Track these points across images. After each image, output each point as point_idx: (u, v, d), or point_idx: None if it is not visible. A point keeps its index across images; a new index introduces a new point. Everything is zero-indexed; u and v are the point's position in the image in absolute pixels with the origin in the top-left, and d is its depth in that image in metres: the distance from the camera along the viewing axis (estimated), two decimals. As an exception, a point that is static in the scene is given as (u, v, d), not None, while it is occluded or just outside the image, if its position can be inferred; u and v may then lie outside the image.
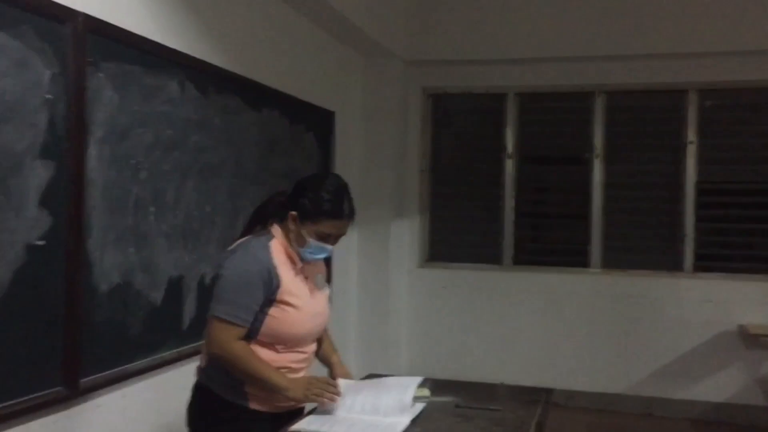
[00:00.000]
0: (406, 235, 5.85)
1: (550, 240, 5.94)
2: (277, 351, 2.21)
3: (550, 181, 5.94)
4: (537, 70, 5.62)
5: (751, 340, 5.10)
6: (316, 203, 2.17)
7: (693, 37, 5.20)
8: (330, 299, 2.45)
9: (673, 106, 5.51)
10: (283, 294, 2.16)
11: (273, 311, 2.16)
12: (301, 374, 2.28)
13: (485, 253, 5.84)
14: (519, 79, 5.68)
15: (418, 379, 2.31)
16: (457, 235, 5.95)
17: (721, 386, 5.24)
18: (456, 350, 5.73)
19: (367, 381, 2.41)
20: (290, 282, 2.19)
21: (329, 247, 2.22)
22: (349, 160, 5.24)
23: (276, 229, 2.24)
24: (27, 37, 2.27)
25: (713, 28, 5.16)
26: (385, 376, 2.71)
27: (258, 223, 2.30)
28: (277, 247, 2.20)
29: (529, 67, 5.62)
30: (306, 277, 2.28)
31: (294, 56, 4.35)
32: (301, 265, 2.25)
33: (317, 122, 4.63)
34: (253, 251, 2.16)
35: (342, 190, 2.23)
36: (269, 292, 2.15)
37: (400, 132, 5.70)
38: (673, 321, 5.36)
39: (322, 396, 2.15)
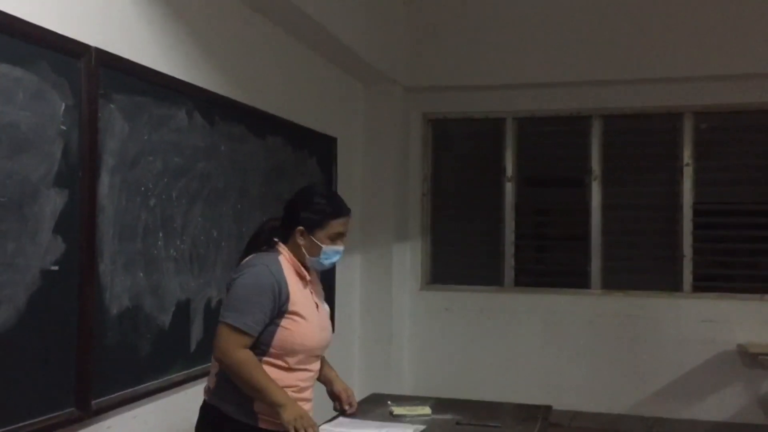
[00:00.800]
0: (408, 257, 5.92)
1: (551, 261, 6.01)
2: (287, 368, 2.27)
3: (549, 204, 6.04)
4: (535, 95, 5.73)
5: (750, 359, 5.15)
6: (318, 211, 2.30)
7: (687, 62, 5.32)
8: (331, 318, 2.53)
9: (669, 129, 5.61)
10: (293, 305, 2.25)
11: (284, 323, 2.24)
12: (306, 393, 2.35)
13: (486, 275, 5.91)
14: (517, 103, 5.79)
15: (420, 428, 2.32)
16: (459, 258, 6.03)
17: (721, 405, 5.28)
18: (458, 371, 5.77)
19: (368, 422, 2.42)
20: (298, 294, 2.29)
21: (341, 248, 2.35)
22: (351, 185, 5.33)
23: (282, 247, 2.34)
24: (43, 71, 2.38)
25: (707, 52, 5.27)
26: (390, 395, 2.78)
27: (254, 250, 2.39)
28: (285, 263, 2.30)
29: (527, 92, 5.74)
30: (312, 293, 2.38)
31: (297, 85, 4.46)
32: (309, 278, 2.36)
33: (320, 148, 4.74)
34: (265, 264, 2.26)
35: (332, 191, 2.43)
36: (279, 304, 2.23)
37: (401, 156, 5.81)
38: (673, 341, 5.42)
39: None
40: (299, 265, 2.33)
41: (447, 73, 5.76)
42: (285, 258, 2.32)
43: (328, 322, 2.46)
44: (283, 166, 4.16)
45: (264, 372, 2.20)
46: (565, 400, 5.41)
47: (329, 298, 4.74)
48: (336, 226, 2.32)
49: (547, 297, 5.72)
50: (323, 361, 2.57)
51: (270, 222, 2.45)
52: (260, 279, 2.23)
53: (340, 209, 2.34)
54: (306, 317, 2.28)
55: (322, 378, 2.56)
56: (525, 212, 5.93)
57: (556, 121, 5.83)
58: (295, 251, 2.33)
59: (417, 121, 5.99)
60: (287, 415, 2.13)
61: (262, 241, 2.39)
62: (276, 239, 2.37)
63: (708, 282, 5.47)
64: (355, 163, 5.48)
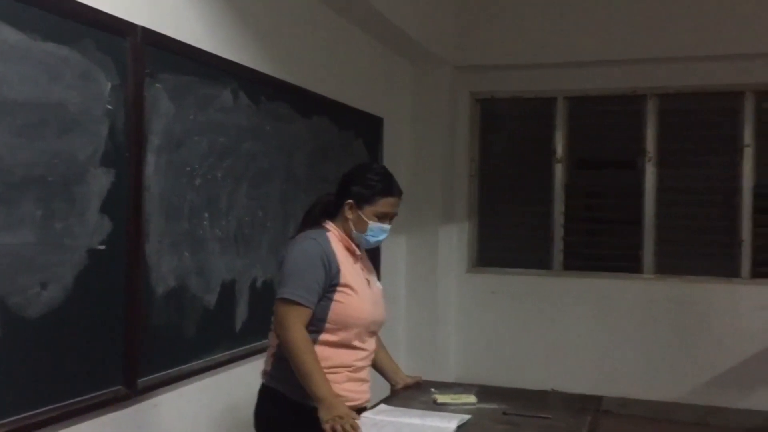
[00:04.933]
0: (455, 239, 5.84)
1: (601, 245, 5.86)
2: (343, 345, 2.25)
3: (601, 186, 5.88)
4: (587, 74, 5.56)
5: (812, 349, 4.95)
6: (369, 186, 2.31)
7: (749, 38, 5.07)
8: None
9: (728, 108, 5.39)
10: (344, 278, 2.25)
11: (338, 296, 2.24)
12: (363, 373, 2.33)
13: (535, 258, 5.80)
14: (568, 82, 5.63)
15: (465, 417, 2.25)
16: (506, 240, 5.92)
17: (780, 396, 5.10)
18: (505, 356, 5.69)
19: (411, 410, 2.35)
20: (349, 269, 2.29)
21: (387, 226, 2.35)
22: (397, 166, 5.26)
23: (329, 224, 2.35)
24: (89, 50, 2.37)
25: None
26: (434, 382, 2.73)
27: (309, 225, 2.39)
28: (333, 238, 2.31)
29: (578, 71, 5.56)
30: (362, 269, 2.37)
31: (343, 64, 4.40)
32: (360, 254, 2.36)
33: (366, 128, 4.68)
34: (312, 237, 2.28)
35: (387, 171, 2.40)
36: (330, 276, 2.23)
37: (449, 137, 5.71)
38: (729, 328, 5.23)
39: None
40: (348, 240, 2.33)
41: (496, 52, 5.62)
42: (333, 234, 2.32)
43: (382, 299, 2.44)
44: (328, 146, 4.12)
45: (315, 359, 2.16)
46: (615, 387, 5.30)
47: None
48: (385, 204, 2.31)
49: (598, 281, 5.58)
50: (384, 353, 2.56)
51: (324, 197, 2.45)
52: (308, 251, 2.23)
53: (390, 188, 2.34)
54: (358, 291, 2.28)
55: (387, 372, 2.56)
56: (575, 195, 5.78)
57: (609, 100, 5.65)
58: (344, 227, 2.34)
59: (465, 100, 5.88)
60: (325, 414, 2.06)
61: (316, 215, 2.39)
62: (324, 219, 2.37)
63: (768, 268, 5.26)
64: (402, 144, 5.41)
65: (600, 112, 5.71)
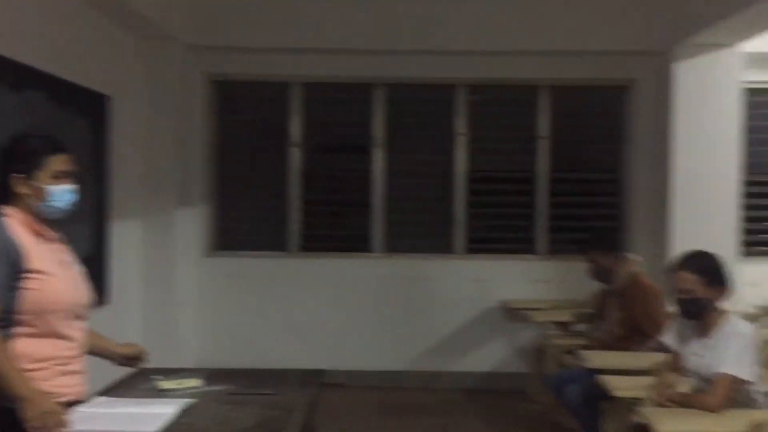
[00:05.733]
0: (192, 224, 5.71)
1: (336, 227, 6.12)
2: (46, 335, 2.09)
3: (336, 170, 6.13)
4: (321, 61, 5.74)
5: (511, 313, 5.66)
6: (31, 151, 2.15)
7: (463, 36, 5.61)
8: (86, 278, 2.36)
9: (445, 99, 5.91)
10: (33, 263, 2.08)
11: (30, 284, 2.07)
12: (74, 365, 2.19)
13: (273, 241, 5.90)
14: (303, 68, 5.77)
15: (189, 401, 2.23)
16: (245, 224, 5.94)
17: (487, 357, 5.78)
18: (246, 339, 5.73)
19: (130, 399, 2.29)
20: (37, 251, 2.11)
21: (70, 186, 2.19)
22: (128, 148, 5.00)
23: (6, 209, 2.14)
24: None
25: (480, 28, 5.60)
26: (159, 369, 2.65)
27: None
28: (13, 222, 2.11)
29: (312, 57, 5.73)
30: (57, 251, 2.21)
31: (60, 34, 4.05)
32: (53, 235, 2.20)
33: (90, 106, 4.37)
34: None
35: (43, 133, 2.27)
36: (16, 265, 2.05)
37: (184, 118, 5.54)
38: (446, 300, 5.80)
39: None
40: (33, 222, 2.15)
41: (231, 33, 5.57)
42: (12, 218, 2.12)
43: (82, 281, 2.29)
44: (47, 124, 3.79)
45: (9, 357, 1.99)
46: (349, 361, 5.61)
47: (98, 267, 4.44)
48: (56, 162, 2.16)
49: (332, 261, 5.84)
50: (96, 335, 2.40)
51: None
52: None
53: (55, 145, 2.19)
54: (53, 274, 2.12)
55: (102, 348, 2.40)
56: (312, 178, 5.96)
57: (341, 87, 5.90)
58: (25, 207, 2.14)
59: (199, 81, 5.73)
60: (30, 411, 1.94)
61: None
62: None
63: (478, 244, 5.90)
64: (133, 125, 5.12)
65: (334, 99, 5.94)
